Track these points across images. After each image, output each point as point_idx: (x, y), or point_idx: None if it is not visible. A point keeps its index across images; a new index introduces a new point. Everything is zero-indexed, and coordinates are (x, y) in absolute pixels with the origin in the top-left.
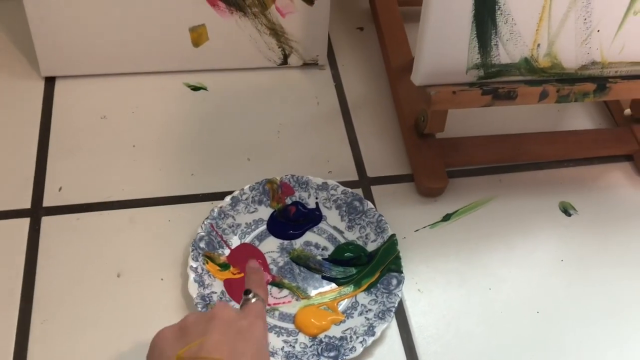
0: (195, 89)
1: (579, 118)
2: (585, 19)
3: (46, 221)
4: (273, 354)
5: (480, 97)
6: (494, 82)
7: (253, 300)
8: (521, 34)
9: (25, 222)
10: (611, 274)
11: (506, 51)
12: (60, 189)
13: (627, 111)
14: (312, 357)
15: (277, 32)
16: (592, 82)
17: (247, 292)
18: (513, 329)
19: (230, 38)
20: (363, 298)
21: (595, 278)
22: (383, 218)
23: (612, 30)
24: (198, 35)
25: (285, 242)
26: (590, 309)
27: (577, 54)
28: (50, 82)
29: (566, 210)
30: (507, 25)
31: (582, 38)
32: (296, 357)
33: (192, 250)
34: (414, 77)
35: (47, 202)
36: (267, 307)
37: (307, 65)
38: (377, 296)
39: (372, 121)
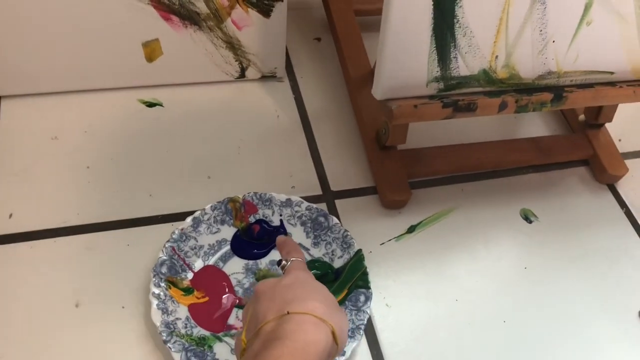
0: (151, 105)
1: (536, 125)
2: (541, 30)
3: None
4: None
5: (441, 110)
6: (454, 94)
7: (288, 263)
8: (479, 46)
9: None
10: (573, 278)
11: (465, 63)
12: (10, 215)
13: (582, 117)
14: None
15: (233, 46)
16: (549, 91)
17: (279, 262)
18: (481, 340)
19: (185, 52)
20: None
21: (558, 284)
22: (349, 233)
23: (567, 40)
24: (151, 50)
25: (250, 262)
26: (554, 315)
27: (534, 65)
28: None
29: (527, 217)
30: (466, 38)
31: (538, 49)
32: None
33: (154, 276)
34: (374, 91)
35: None
36: (234, 331)
37: (265, 77)
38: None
39: (334, 133)
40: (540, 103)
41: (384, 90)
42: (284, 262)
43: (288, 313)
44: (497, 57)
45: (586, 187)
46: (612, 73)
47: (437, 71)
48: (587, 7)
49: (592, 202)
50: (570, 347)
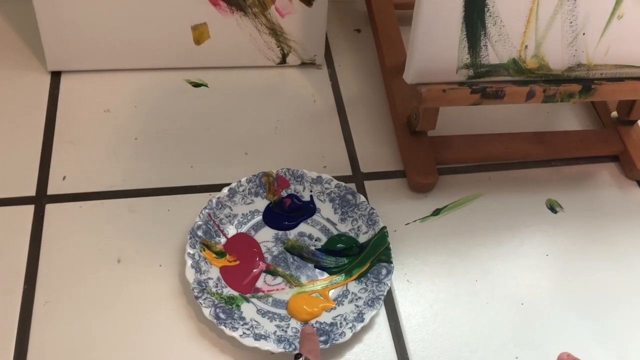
0: (196, 85)
1: (568, 119)
2: (571, 22)
3: (50, 208)
4: (266, 337)
5: (469, 95)
6: (483, 81)
7: None
8: (509, 35)
9: (30, 209)
10: (594, 269)
11: (495, 52)
12: (64, 178)
13: (614, 114)
14: None
15: (276, 32)
16: (578, 83)
17: (297, 355)
18: (498, 319)
19: (231, 37)
20: (354, 287)
21: (578, 273)
22: (375, 211)
23: (597, 33)
24: (200, 34)
25: (280, 232)
26: (572, 302)
27: (563, 56)
28: (56, 76)
29: (552, 207)
30: (496, 27)
31: (568, 40)
32: (287, 340)
33: (190, 238)
34: (406, 75)
35: (51, 190)
36: (261, 294)
37: (305, 64)
38: (367, 285)
39: (367, 119)
40: (568, 94)
41: (414, 74)
42: (300, 356)
43: None
44: (526, 47)
45: (615, 182)
46: None
47: (467, 58)
48: (618, 1)
49: (620, 198)
50: (586, 333)
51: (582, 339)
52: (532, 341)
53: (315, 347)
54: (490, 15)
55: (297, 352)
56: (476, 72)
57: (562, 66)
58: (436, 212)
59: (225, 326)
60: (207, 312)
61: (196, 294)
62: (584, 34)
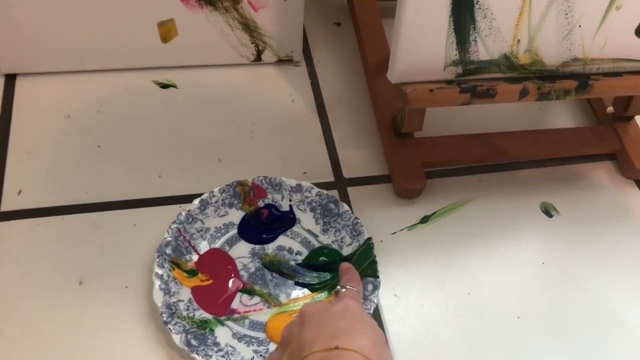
0: (164, 86)
1: (561, 116)
2: (566, 14)
3: (4, 226)
4: None
5: (458, 95)
6: (473, 79)
7: (343, 290)
8: (500, 29)
9: None
10: (594, 277)
11: (485, 47)
12: (19, 192)
13: (610, 109)
14: None
15: (249, 27)
16: (574, 79)
17: (336, 290)
18: (493, 335)
19: (201, 33)
20: None
21: (577, 281)
22: (359, 221)
23: (594, 25)
24: (167, 31)
25: (257, 246)
26: (572, 314)
27: (558, 50)
28: (10, 79)
29: (547, 211)
30: (486, 20)
31: (563, 33)
32: None
33: (158, 257)
34: (389, 74)
35: (5, 206)
36: (237, 316)
37: (281, 61)
38: None
39: (349, 120)
40: (563, 91)
41: (399, 73)
42: (339, 287)
43: (337, 348)
44: (519, 41)
45: (612, 182)
46: None
47: (456, 55)
48: None
49: (618, 198)
50: (586, 346)
51: (584, 353)
52: (529, 357)
53: (356, 278)
54: (480, 8)
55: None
56: (465, 70)
57: (556, 61)
58: (424, 220)
59: (198, 354)
60: (177, 338)
61: (165, 318)
62: (580, 26)
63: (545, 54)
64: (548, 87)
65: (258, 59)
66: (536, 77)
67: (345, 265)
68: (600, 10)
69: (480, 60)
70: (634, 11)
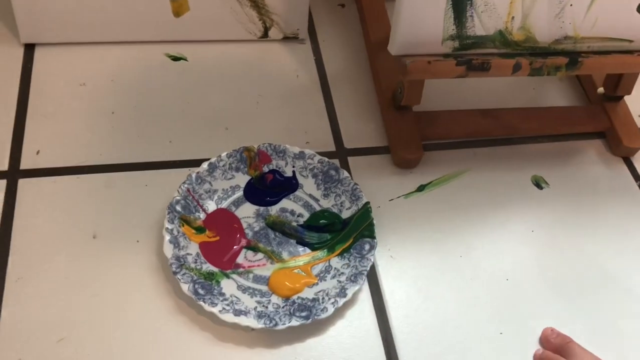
0: (176, 59)
1: (554, 96)
2: None
3: (23, 183)
4: (246, 313)
5: (454, 67)
6: (469, 53)
7: None
8: (496, 6)
9: (2, 183)
10: (579, 245)
11: (481, 23)
12: (37, 152)
13: (600, 89)
14: (284, 317)
15: (258, 5)
16: (565, 56)
17: None
18: (482, 295)
19: (211, 9)
20: (336, 262)
21: (563, 248)
22: (358, 186)
23: (585, 4)
24: (179, 5)
25: (261, 208)
26: (557, 278)
27: (550, 28)
28: (29, 48)
29: (538, 183)
30: None
31: (555, 12)
32: (268, 316)
33: (168, 213)
34: (390, 46)
35: (25, 165)
36: (242, 270)
37: (287, 39)
38: (350, 260)
39: (351, 94)
40: (554, 67)
41: (399, 45)
42: None
43: None
44: (513, 18)
45: (601, 159)
46: (631, 41)
47: (453, 29)
48: None
49: (606, 174)
50: (570, 309)
51: (566, 314)
52: (516, 317)
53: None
54: None
55: None
56: (462, 44)
57: (548, 38)
58: (421, 188)
59: (204, 302)
60: (185, 287)
61: (174, 269)
62: (571, 5)
63: (537, 31)
64: (540, 63)
65: (265, 35)
66: (529, 54)
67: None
68: None
69: (476, 35)
70: None
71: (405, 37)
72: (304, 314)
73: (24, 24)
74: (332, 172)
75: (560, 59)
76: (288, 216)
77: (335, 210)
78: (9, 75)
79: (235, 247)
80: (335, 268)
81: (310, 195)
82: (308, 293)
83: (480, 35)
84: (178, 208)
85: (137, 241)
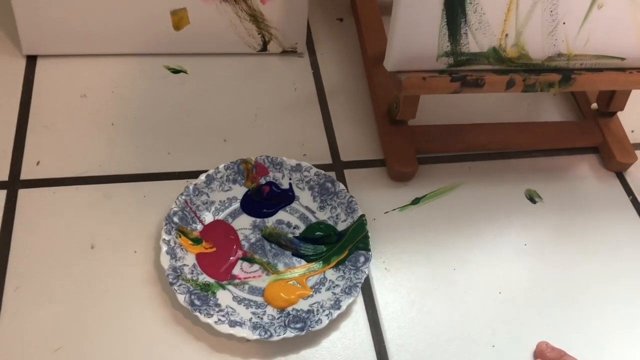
0: (175, 71)
1: (548, 111)
2: (551, 11)
3: (23, 194)
4: (241, 324)
5: (449, 83)
6: (463, 70)
7: None
8: (490, 23)
9: (2, 193)
10: (572, 259)
11: (475, 40)
12: (38, 163)
13: (594, 105)
14: (279, 328)
15: (257, 19)
16: (558, 73)
17: None
18: (475, 308)
19: (211, 23)
20: (331, 274)
21: (556, 262)
22: (353, 199)
23: (577, 23)
24: (179, 19)
25: (258, 220)
26: (550, 291)
27: (543, 45)
28: (31, 60)
29: (532, 197)
30: (476, 15)
31: (548, 30)
32: (263, 327)
33: (166, 224)
34: (386, 62)
35: (25, 175)
36: (238, 281)
37: (286, 52)
38: (344, 272)
39: (348, 108)
40: (548, 83)
41: (394, 61)
42: None
43: None
44: (507, 35)
45: (594, 173)
46: (623, 59)
47: (448, 46)
48: None
49: (599, 188)
50: (563, 323)
51: (559, 328)
52: (509, 330)
53: None
54: (471, 3)
55: None
56: (456, 61)
57: (542, 56)
58: (415, 201)
59: (200, 312)
60: (181, 298)
61: (171, 280)
62: (564, 23)
63: (531, 48)
64: (533, 80)
65: (264, 49)
66: (523, 70)
67: None
68: (583, 9)
69: (470, 52)
70: (615, 10)
71: (400, 53)
72: (298, 325)
73: (26, 35)
74: (328, 185)
75: (554, 76)
76: (284, 228)
77: (331, 222)
78: (11, 86)
79: (231, 258)
80: (330, 280)
81: (307, 208)
82: (303, 305)
83: (474, 52)
84: (175, 219)
85: (135, 252)
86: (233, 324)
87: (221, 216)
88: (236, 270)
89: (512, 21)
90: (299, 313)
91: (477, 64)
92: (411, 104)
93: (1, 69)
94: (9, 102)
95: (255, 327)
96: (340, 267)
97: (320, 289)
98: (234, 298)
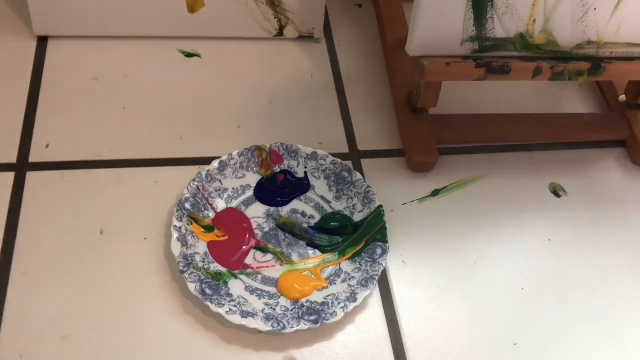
0: (189, 55)
1: (573, 103)
2: None
3: (31, 176)
4: (253, 314)
5: (473, 70)
6: (488, 56)
7: None
8: (517, 8)
9: (10, 176)
10: (597, 256)
11: (502, 25)
12: (47, 145)
13: (622, 97)
14: (293, 320)
15: (273, 2)
16: (587, 61)
17: None
18: (496, 304)
19: (226, 6)
20: (347, 266)
21: (581, 259)
22: (371, 189)
23: (609, 9)
24: (194, 2)
25: (272, 208)
26: (574, 288)
27: (572, 32)
28: (42, 41)
29: (556, 191)
30: None
31: (578, 16)
32: (276, 319)
33: (177, 211)
34: (408, 47)
35: (34, 157)
36: (250, 271)
37: (303, 37)
38: (361, 264)
39: (366, 96)
40: (576, 72)
41: (417, 46)
42: None
43: None
44: (534, 21)
45: (621, 168)
46: None
47: (473, 31)
48: None
49: (626, 184)
50: (587, 321)
51: (584, 326)
52: (531, 327)
53: None
54: None
55: None
56: (481, 46)
57: (570, 43)
58: (435, 193)
59: (212, 302)
60: (192, 287)
61: (181, 268)
62: (595, 9)
63: (560, 35)
64: (561, 67)
65: (280, 34)
66: (550, 58)
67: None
68: None
69: (496, 37)
70: None
71: (423, 37)
72: (312, 317)
73: (38, 16)
74: (345, 174)
75: (583, 64)
76: (299, 217)
77: (347, 212)
78: (21, 67)
79: (244, 247)
80: (345, 272)
81: (322, 197)
82: (317, 297)
83: (500, 38)
84: (187, 206)
85: (145, 238)
86: (245, 314)
87: (234, 204)
88: (249, 260)
89: (541, 6)
90: (313, 305)
91: (502, 51)
92: (433, 92)
93: (12, 50)
94: (19, 84)
95: (267, 318)
96: (356, 258)
97: (336, 280)
98: (247, 288)
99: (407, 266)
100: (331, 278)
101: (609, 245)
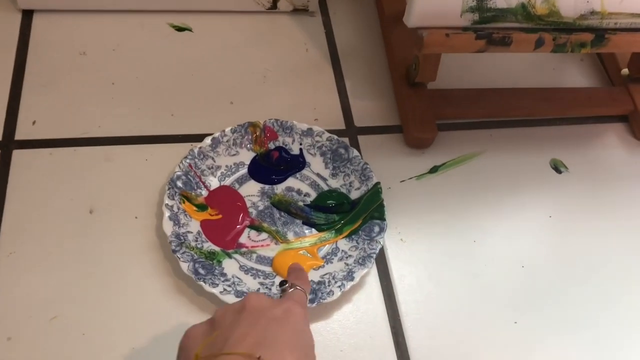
0: (180, 29)
1: (574, 77)
2: None
3: (17, 154)
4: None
5: (474, 41)
6: (489, 27)
7: (291, 289)
8: None
9: None
10: (598, 231)
11: None
12: (34, 122)
13: (625, 71)
14: None
15: None
16: (591, 32)
17: (282, 283)
18: (496, 282)
19: None
20: (344, 244)
21: (582, 235)
22: (368, 166)
23: None
24: None
25: (267, 186)
26: (575, 265)
27: (576, 2)
28: (27, 15)
29: (557, 167)
30: None
31: None
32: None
33: (169, 189)
34: (406, 18)
35: (20, 135)
36: (245, 250)
37: (297, 11)
38: (358, 243)
39: (362, 71)
40: (579, 43)
41: (416, 16)
42: (287, 285)
43: (259, 358)
44: None
45: (623, 143)
46: None
47: (473, 1)
48: None
49: (628, 159)
50: (588, 297)
51: (585, 302)
52: (532, 305)
53: (305, 278)
54: None
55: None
56: (482, 17)
57: (574, 13)
58: (434, 170)
59: (205, 282)
60: (185, 266)
61: (174, 247)
62: None
63: (562, 5)
64: (564, 39)
65: (274, 7)
66: (552, 29)
67: (295, 265)
68: None
69: (497, 8)
70: None
71: (422, 7)
72: (309, 297)
73: None
74: (342, 151)
75: (586, 35)
76: (294, 195)
77: (343, 190)
78: (6, 42)
79: (238, 226)
80: (342, 250)
81: (318, 174)
82: (314, 276)
83: (501, 8)
84: (179, 184)
85: (136, 217)
86: (239, 294)
87: (227, 182)
88: (243, 239)
89: None
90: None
91: (503, 22)
92: (431, 65)
93: None
94: (3, 59)
95: None
96: (353, 237)
97: (332, 259)
98: (241, 267)
99: (405, 244)
100: (328, 257)
101: (610, 221)
